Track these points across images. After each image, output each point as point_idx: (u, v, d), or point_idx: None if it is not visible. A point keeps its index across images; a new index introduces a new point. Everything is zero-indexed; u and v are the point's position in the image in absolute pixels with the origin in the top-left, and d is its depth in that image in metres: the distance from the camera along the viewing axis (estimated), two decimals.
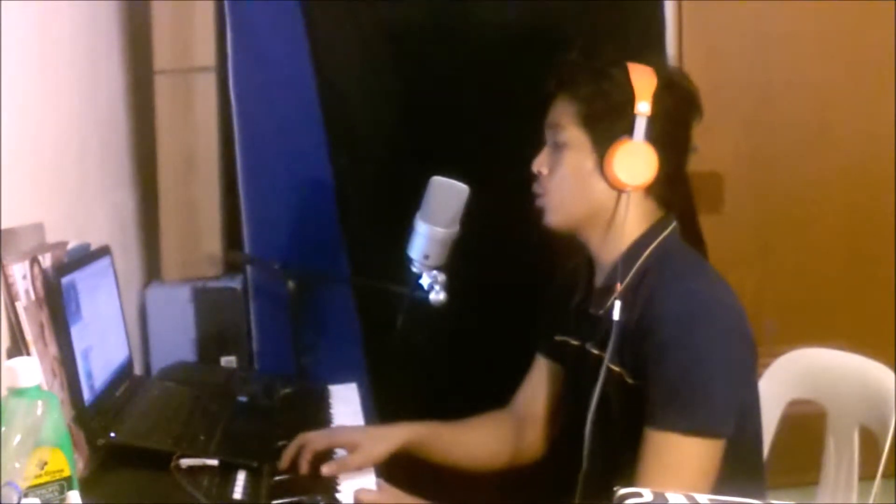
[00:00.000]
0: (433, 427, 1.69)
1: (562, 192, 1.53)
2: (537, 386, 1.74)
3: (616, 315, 1.46)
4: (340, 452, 1.60)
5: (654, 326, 1.42)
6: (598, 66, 1.52)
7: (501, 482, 1.81)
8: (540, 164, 1.56)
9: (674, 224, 1.55)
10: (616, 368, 1.47)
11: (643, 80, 1.48)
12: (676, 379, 1.39)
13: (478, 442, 1.73)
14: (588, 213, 1.53)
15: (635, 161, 1.47)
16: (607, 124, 1.49)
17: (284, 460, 1.56)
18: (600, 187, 1.50)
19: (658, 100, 1.48)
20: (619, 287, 1.47)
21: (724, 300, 1.46)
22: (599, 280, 1.56)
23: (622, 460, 1.43)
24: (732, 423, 1.42)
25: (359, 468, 1.56)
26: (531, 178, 1.57)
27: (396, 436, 1.64)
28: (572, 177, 1.52)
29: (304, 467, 1.54)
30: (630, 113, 1.47)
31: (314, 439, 1.59)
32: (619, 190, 1.49)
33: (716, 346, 1.41)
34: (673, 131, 1.51)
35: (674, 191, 1.55)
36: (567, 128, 1.52)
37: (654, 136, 1.47)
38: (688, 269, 1.51)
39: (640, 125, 1.47)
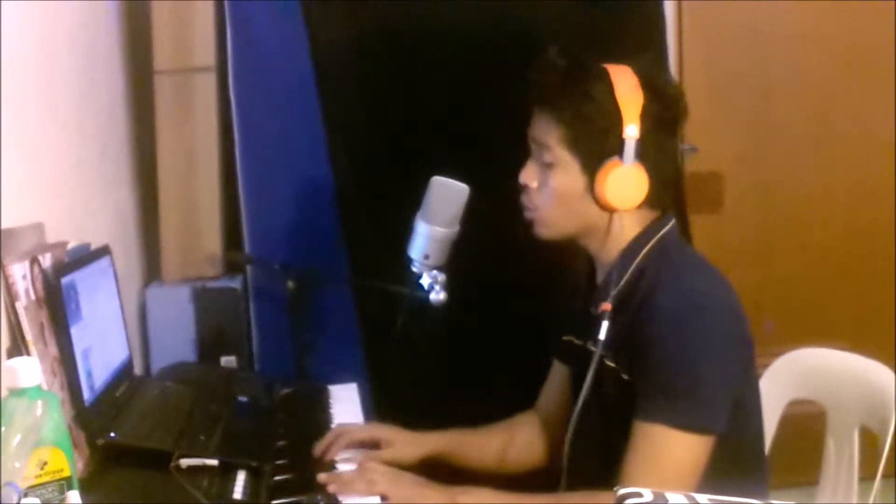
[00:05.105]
0: (461, 436, 1.72)
1: (552, 209, 1.52)
2: (553, 388, 1.76)
3: (602, 334, 1.45)
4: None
5: (648, 322, 1.43)
6: (579, 87, 1.46)
7: (502, 480, 1.82)
8: (528, 177, 1.54)
9: (672, 223, 1.55)
10: (612, 364, 1.48)
11: (629, 98, 1.44)
12: (666, 373, 1.40)
13: (504, 447, 1.74)
14: (579, 229, 1.53)
15: (626, 185, 1.46)
16: (596, 147, 1.46)
17: (320, 448, 1.61)
18: (591, 208, 1.49)
19: (645, 115, 1.45)
20: (607, 305, 1.47)
21: (719, 297, 1.46)
22: (600, 278, 1.57)
23: (618, 455, 1.43)
24: (723, 420, 1.42)
25: (391, 462, 1.58)
26: (518, 187, 1.56)
27: (429, 442, 1.68)
28: (562, 197, 1.50)
29: (333, 454, 1.59)
30: (618, 134, 1.44)
31: (351, 431, 1.64)
32: (609, 211, 1.49)
33: (707, 343, 1.41)
34: (662, 142, 1.48)
35: (668, 194, 1.54)
36: (553, 148, 1.49)
37: (643, 151, 1.45)
38: (685, 266, 1.51)
39: (630, 147, 1.44)
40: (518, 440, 1.74)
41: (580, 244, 1.56)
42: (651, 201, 1.50)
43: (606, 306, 1.47)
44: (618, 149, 1.45)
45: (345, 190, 2.22)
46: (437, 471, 1.69)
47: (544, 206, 1.53)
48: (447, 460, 1.69)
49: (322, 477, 1.48)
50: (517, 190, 1.56)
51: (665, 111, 1.48)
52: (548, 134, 1.50)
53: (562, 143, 1.48)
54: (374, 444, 1.66)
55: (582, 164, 1.48)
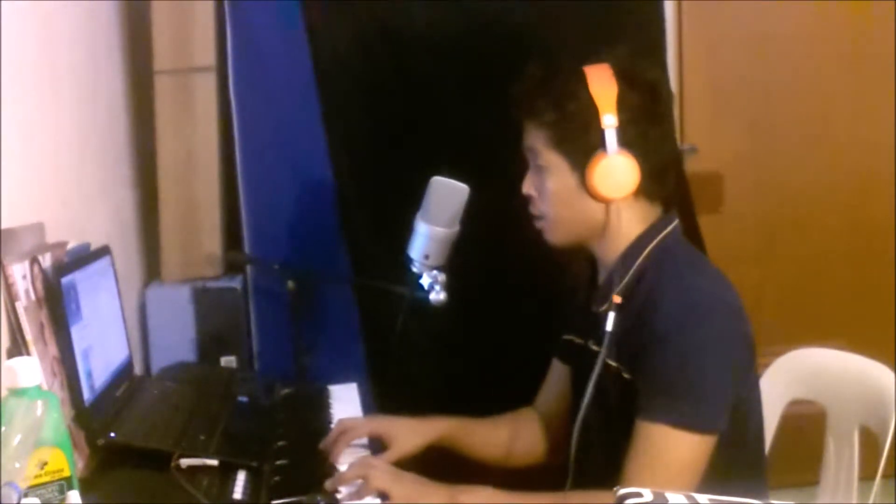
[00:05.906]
0: (466, 423, 1.72)
1: (554, 214, 1.54)
2: (552, 388, 1.76)
3: (609, 325, 1.46)
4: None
5: (650, 322, 1.43)
6: (556, 89, 1.50)
7: (503, 479, 1.82)
8: (529, 187, 1.57)
9: (675, 223, 1.55)
10: (613, 364, 1.48)
11: (603, 89, 1.47)
12: (668, 372, 1.40)
13: (508, 439, 1.74)
14: (584, 228, 1.54)
15: (614, 174, 1.47)
16: (579, 144, 1.48)
17: (325, 445, 1.61)
18: (589, 203, 1.50)
19: (623, 104, 1.46)
20: (617, 298, 1.47)
21: (721, 297, 1.46)
22: (602, 278, 1.57)
23: (620, 455, 1.43)
24: (723, 420, 1.42)
25: (395, 461, 1.59)
26: (525, 199, 1.57)
27: (432, 429, 1.68)
28: (560, 199, 1.52)
29: (337, 455, 1.59)
30: (598, 127, 1.46)
31: (354, 427, 1.64)
32: (606, 203, 1.50)
33: (709, 343, 1.41)
34: (645, 129, 1.49)
35: (663, 185, 1.54)
36: (542, 153, 1.52)
37: (627, 140, 1.46)
38: (686, 266, 1.51)
39: (611, 137, 1.46)
40: (521, 434, 1.75)
41: (587, 247, 1.57)
42: (646, 192, 1.51)
43: (616, 299, 1.47)
44: (600, 141, 1.47)
45: (345, 190, 2.22)
46: (438, 468, 1.69)
47: (548, 212, 1.55)
48: (449, 448, 1.69)
49: (328, 484, 1.48)
50: (521, 196, 1.57)
51: (643, 99, 1.49)
52: (536, 140, 1.53)
53: (548, 145, 1.51)
54: (377, 439, 1.65)
55: (570, 163, 1.50)
